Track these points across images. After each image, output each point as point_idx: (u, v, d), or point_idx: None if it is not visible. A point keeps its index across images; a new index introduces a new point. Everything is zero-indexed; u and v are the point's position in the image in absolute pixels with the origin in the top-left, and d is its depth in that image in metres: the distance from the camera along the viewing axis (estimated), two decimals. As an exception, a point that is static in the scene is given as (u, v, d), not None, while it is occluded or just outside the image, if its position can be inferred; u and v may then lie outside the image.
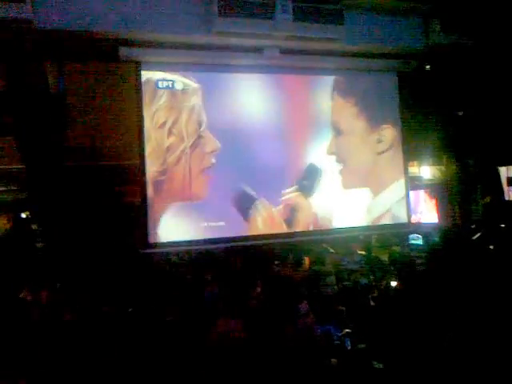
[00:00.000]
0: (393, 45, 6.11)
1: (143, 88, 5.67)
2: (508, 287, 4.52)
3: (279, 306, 3.92)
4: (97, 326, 4.26)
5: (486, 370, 3.16)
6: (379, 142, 6.63)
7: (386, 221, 6.64)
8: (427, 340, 3.73)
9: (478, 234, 6.56)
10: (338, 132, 6.48)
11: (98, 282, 5.02)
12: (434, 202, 7.92)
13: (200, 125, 5.88)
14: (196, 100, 5.89)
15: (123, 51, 5.38)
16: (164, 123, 5.68)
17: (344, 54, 6.23)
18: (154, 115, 5.65)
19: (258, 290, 4.28)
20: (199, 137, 5.86)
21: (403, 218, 6.73)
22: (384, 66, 6.59)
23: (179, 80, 5.84)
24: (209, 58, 5.87)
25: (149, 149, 5.57)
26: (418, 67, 6.56)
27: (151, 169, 5.57)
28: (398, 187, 6.72)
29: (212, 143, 5.92)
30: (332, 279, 5.05)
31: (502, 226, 6.58)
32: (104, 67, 5.61)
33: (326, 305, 4.45)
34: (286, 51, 5.98)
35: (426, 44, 6.06)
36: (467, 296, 4.35)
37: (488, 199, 6.98)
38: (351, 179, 6.52)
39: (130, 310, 4.55)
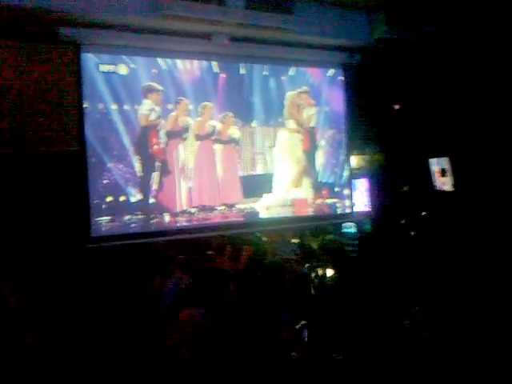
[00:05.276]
0: (340, 37, 6.21)
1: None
2: (428, 269, 4.85)
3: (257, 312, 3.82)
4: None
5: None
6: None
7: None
8: (371, 324, 3.87)
9: (402, 222, 6.89)
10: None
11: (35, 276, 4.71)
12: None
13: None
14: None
15: (63, 31, 5.02)
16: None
17: (293, 45, 6.21)
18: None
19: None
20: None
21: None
22: (329, 58, 6.70)
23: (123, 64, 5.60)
24: (155, 42, 5.64)
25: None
26: (362, 61, 6.72)
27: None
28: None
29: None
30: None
31: (423, 213, 6.92)
32: (41, 48, 5.13)
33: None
34: (233, 39, 5.87)
35: (370, 38, 6.20)
36: (395, 279, 4.59)
37: (406, 188, 7.31)
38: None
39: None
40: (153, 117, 5.79)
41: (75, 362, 3.42)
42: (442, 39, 5.99)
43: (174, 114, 5.92)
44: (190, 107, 6.01)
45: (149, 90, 5.76)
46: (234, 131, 6.32)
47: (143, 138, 5.73)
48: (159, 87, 5.80)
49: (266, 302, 3.80)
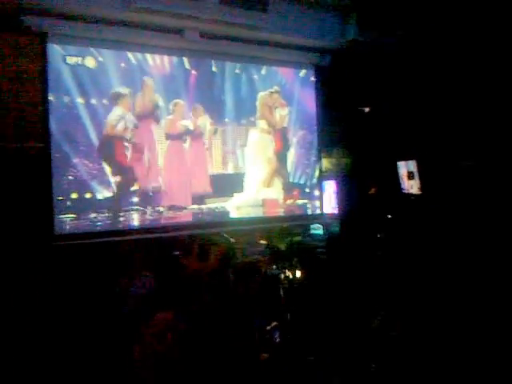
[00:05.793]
0: (312, 38, 6.21)
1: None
2: (394, 270, 4.91)
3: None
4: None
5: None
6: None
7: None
8: (340, 324, 3.87)
9: (369, 224, 6.93)
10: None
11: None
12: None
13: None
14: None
15: (29, 21, 4.80)
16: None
17: (265, 44, 6.19)
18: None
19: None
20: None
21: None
22: (301, 58, 6.70)
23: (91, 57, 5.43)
24: (124, 36, 5.48)
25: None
26: (332, 62, 6.74)
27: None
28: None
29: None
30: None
31: (390, 216, 6.99)
32: (5, 37, 4.89)
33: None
34: (206, 35, 5.78)
35: (342, 39, 6.23)
36: (363, 280, 4.62)
37: (373, 190, 7.38)
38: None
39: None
40: (120, 127, 5.61)
41: (40, 361, 3.30)
42: (412, 42, 6.07)
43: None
44: (161, 104, 5.88)
45: (117, 97, 5.59)
46: (205, 122, 6.20)
47: (109, 147, 5.55)
48: (126, 91, 5.63)
49: (237, 303, 3.75)
